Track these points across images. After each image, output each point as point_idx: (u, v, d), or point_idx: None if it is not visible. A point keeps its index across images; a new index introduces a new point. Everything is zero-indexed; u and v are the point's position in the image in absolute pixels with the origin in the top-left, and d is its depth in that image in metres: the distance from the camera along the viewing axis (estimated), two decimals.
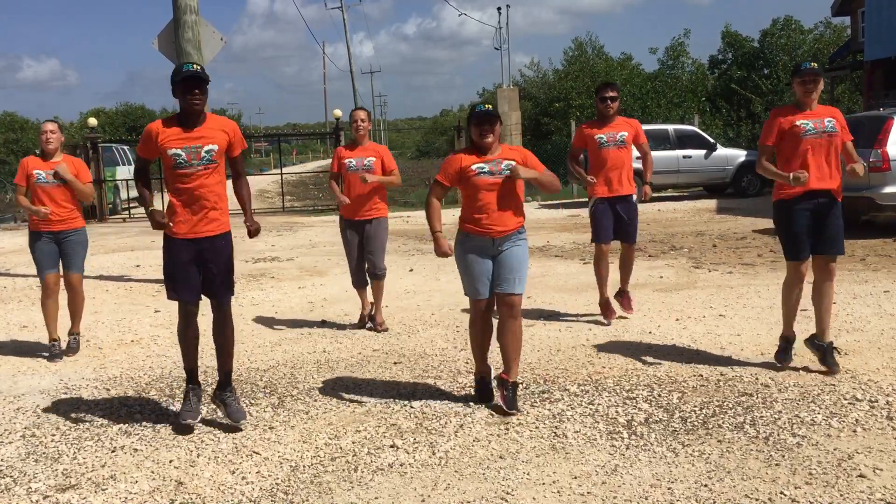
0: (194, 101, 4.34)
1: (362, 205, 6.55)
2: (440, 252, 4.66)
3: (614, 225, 6.60)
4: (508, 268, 4.60)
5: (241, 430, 4.48)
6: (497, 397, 4.72)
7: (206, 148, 4.40)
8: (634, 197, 6.64)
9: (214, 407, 4.75)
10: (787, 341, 5.23)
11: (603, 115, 6.53)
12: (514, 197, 4.61)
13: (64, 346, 6.31)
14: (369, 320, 6.81)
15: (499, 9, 29.33)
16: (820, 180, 4.96)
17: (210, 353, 5.87)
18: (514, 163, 4.58)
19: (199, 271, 4.49)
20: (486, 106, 4.62)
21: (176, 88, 4.38)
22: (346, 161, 6.53)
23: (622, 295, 6.78)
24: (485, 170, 4.55)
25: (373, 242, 6.61)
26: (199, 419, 4.52)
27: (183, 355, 4.65)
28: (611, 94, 6.49)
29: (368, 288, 6.82)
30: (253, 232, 4.58)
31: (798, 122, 4.97)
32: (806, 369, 5.14)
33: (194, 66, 4.43)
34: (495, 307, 4.73)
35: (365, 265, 6.70)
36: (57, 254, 6.15)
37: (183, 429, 4.47)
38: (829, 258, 5.05)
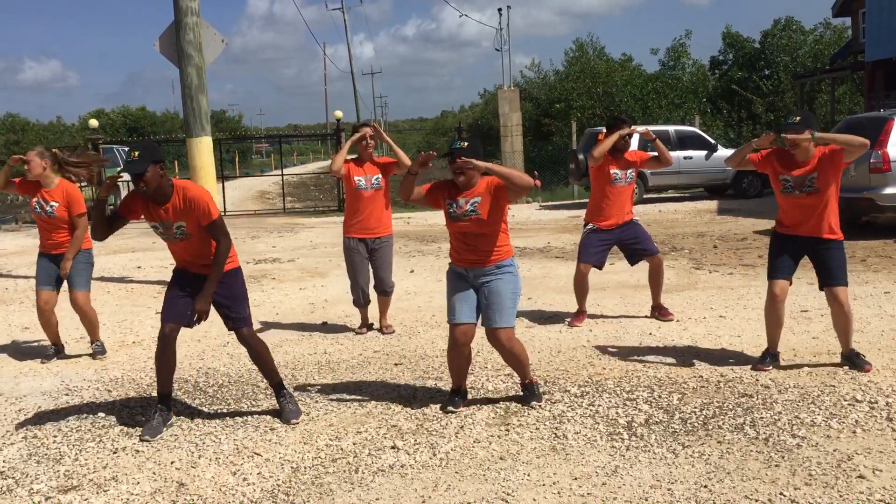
0: (141, 188, 4.33)
1: (369, 223, 6.49)
2: (422, 159, 4.44)
3: (625, 252, 6.75)
4: (488, 302, 4.55)
5: (296, 423, 4.57)
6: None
7: (176, 224, 4.47)
8: (637, 220, 6.70)
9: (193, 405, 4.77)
10: (766, 353, 5.30)
11: (618, 149, 6.53)
12: (489, 234, 4.52)
13: (92, 350, 6.34)
14: (370, 328, 6.82)
15: (499, 10, 29.33)
16: (804, 229, 5.09)
17: (220, 356, 5.91)
18: (479, 199, 4.48)
19: (191, 300, 4.50)
20: (463, 144, 4.47)
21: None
22: (356, 179, 6.42)
23: (658, 309, 6.80)
24: (451, 210, 4.54)
25: (381, 261, 6.58)
26: (156, 438, 4.43)
27: (157, 379, 4.62)
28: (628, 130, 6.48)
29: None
30: (195, 309, 4.41)
31: (780, 178, 5.09)
32: (808, 369, 5.16)
33: (132, 154, 4.30)
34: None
35: (369, 284, 6.66)
36: (56, 272, 6.06)
37: (140, 440, 4.43)
38: (831, 289, 5.12)
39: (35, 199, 6.00)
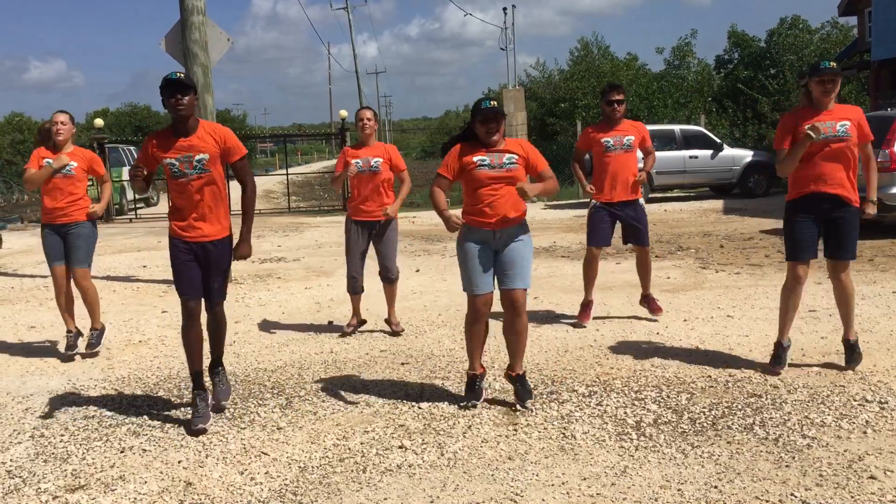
0: (178, 106, 4.38)
1: (369, 205, 6.43)
2: (451, 227, 4.57)
3: (624, 230, 6.62)
4: (509, 263, 4.58)
5: (223, 409, 4.72)
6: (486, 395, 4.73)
7: (197, 157, 4.47)
8: (641, 200, 6.60)
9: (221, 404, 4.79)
10: (779, 347, 5.15)
11: (609, 118, 6.48)
12: (515, 189, 4.57)
13: (83, 344, 6.33)
14: (385, 323, 6.75)
15: (504, 9, 29.33)
16: (827, 185, 4.89)
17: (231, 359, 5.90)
18: (515, 156, 4.56)
19: (199, 270, 4.58)
20: (492, 103, 4.53)
21: (162, 97, 4.43)
22: (353, 161, 6.40)
23: (647, 300, 6.75)
24: (485, 162, 4.54)
25: (385, 245, 6.51)
26: (209, 423, 4.52)
27: (187, 358, 4.65)
28: (617, 97, 6.43)
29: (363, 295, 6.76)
30: (238, 255, 4.65)
31: (807, 126, 4.83)
32: (817, 369, 5.13)
33: (177, 74, 4.43)
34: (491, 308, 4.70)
35: (362, 272, 6.61)
36: (62, 246, 6.13)
37: (194, 432, 4.47)
38: (836, 263, 5.00)
39: (47, 160, 6.06)
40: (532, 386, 4.97)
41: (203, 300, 4.65)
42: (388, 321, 6.72)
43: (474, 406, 4.68)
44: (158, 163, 4.51)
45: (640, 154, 6.67)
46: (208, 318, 4.72)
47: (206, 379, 4.74)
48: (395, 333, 6.61)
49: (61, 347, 6.41)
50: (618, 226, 6.63)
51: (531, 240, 4.70)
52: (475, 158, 4.56)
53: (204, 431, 4.45)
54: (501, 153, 4.56)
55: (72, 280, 6.22)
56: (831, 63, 4.86)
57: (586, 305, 6.72)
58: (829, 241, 5.00)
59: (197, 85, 9.10)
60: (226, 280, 4.71)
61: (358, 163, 6.39)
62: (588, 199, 6.70)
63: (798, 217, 4.99)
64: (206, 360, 4.79)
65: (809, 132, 4.77)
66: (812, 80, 4.91)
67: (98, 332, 6.33)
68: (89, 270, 6.25)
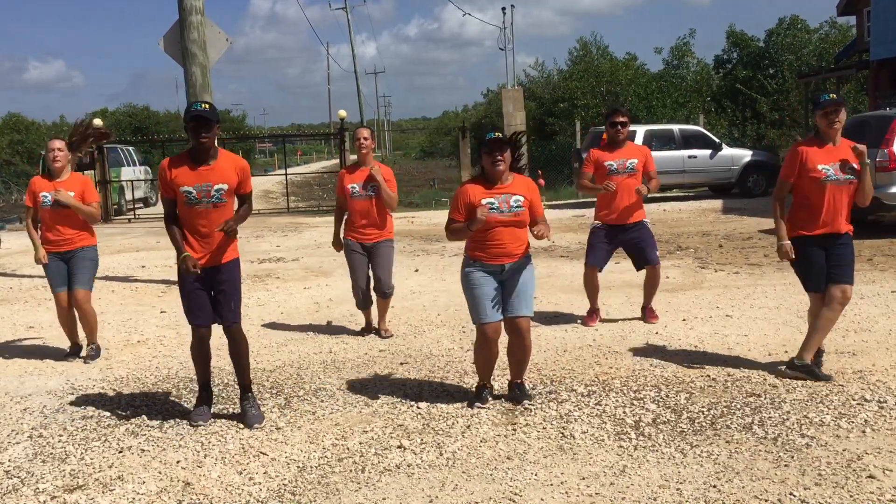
0: (202, 139, 4.39)
1: (366, 229, 6.44)
2: (480, 220, 4.46)
3: (631, 255, 6.65)
4: (514, 292, 4.60)
5: (256, 428, 4.55)
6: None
7: (216, 187, 4.47)
8: (646, 221, 6.60)
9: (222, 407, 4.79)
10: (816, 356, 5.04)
11: (613, 140, 6.47)
12: (522, 228, 4.62)
13: (84, 352, 6.33)
14: (374, 332, 6.75)
15: (503, 9, 29.35)
16: (834, 224, 4.89)
17: (224, 354, 5.89)
18: (522, 198, 4.55)
19: (209, 296, 4.59)
20: (496, 133, 4.52)
21: (186, 126, 4.43)
22: (350, 187, 6.39)
23: (645, 310, 6.76)
24: (494, 206, 4.52)
25: (382, 264, 6.51)
26: (208, 422, 4.60)
27: (196, 372, 4.76)
28: (621, 119, 6.41)
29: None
30: (227, 230, 4.47)
31: (820, 167, 4.83)
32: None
33: (203, 105, 4.45)
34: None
35: (370, 287, 6.59)
36: (66, 271, 6.09)
37: (192, 425, 4.57)
38: (841, 286, 4.92)
39: (44, 194, 5.99)
40: (531, 386, 4.98)
41: (220, 325, 4.66)
42: (376, 330, 6.69)
43: (481, 408, 4.69)
44: (175, 191, 4.48)
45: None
46: (228, 344, 4.72)
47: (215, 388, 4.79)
48: (384, 337, 6.60)
49: (64, 348, 6.39)
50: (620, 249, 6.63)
51: (533, 265, 4.73)
52: (484, 201, 4.54)
53: (202, 426, 4.55)
54: (509, 195, 4.55)
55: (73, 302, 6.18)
56: (831, 94, 4.86)
57: (593, 312, 6.75)
58: (833, 268, 4.94)
59: (196, 85, 9.12)
60: (239, 301, 4.69)
61: (355, 188, 6.38)
62: (591, 208, 6.67)
63: (811, 252, 4.95)
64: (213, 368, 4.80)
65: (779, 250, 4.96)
66: (816, 113, 4.89)
67: (96, 347, 6.31)
68: (90, 293, 6.20)
